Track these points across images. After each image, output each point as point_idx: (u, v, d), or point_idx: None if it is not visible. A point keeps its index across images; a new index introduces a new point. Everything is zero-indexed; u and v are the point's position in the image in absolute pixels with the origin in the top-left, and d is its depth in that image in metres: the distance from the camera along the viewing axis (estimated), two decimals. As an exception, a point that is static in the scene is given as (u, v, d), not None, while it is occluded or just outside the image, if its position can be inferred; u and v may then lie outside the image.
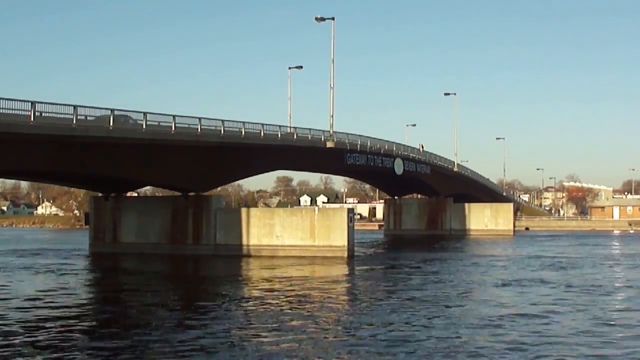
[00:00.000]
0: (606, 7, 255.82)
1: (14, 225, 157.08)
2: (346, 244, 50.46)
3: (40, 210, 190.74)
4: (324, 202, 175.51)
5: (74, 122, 39.53)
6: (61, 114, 39.52)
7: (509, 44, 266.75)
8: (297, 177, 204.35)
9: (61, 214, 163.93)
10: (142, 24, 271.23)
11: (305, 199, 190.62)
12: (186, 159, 50.34)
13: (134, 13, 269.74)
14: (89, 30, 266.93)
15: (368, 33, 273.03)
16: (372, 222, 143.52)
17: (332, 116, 61.35)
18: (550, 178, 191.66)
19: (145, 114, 44.93)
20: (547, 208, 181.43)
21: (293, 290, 31.07)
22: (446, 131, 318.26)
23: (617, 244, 74.97)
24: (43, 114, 38.48)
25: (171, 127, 46.44)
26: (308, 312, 24.39)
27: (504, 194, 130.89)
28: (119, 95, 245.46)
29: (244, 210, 57.21)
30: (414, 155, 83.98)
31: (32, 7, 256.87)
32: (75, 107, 39.87)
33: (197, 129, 48.77)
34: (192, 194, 53.33)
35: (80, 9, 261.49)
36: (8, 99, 36.38)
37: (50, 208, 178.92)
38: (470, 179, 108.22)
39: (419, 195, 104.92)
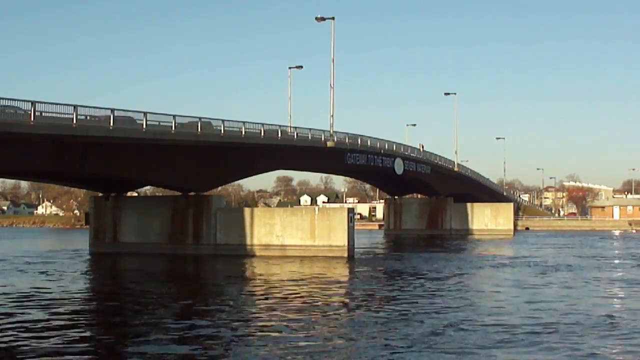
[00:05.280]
0: (607, 5, 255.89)
1: (14, 225, 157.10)
2: (346, 243, 50.44)
3: (40, 210, 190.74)
4: (324, 202, 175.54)
5: (74, 122, 39.52)
6: (61, 113, 39.54)
7: (509, 42, 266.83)
8: (297, 177, 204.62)
9: (61, 213, 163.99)
10: (142, 21, 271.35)
11: (305, 199, 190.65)
12: (186, 159, 50.34)
13: (134, 10, 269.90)
14: (88, 28, 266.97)
15: (368, 32, 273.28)
16: (372, 221, 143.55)
17: (332, 116, 61.55)
18: (551, 178, 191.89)
19: (145, 113, 44.93)
20: (548, 208, 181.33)
21: (292, 290, 31.03)
22: (446, 131, 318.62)
23: (617, 244, 74.92)
24: (43, 114, 38.48)
25: (171, 127, 46.44)
26: (306, 312, 24.34)
27: (505, 193, 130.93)
28: (119, 94, 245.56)
29: (244, 210, 57.24)
30: (414, 155, 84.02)
31: (32, 5, 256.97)
32: (75, 106, 39.87)
33: (197, 129, 48.77)
34: (192, 193, 53.33)
35: (79, 6, 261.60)
36: (8, 99, 36.41)
37: (51, 208, 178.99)
38: (470, 179, 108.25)
39: (419, 195, 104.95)
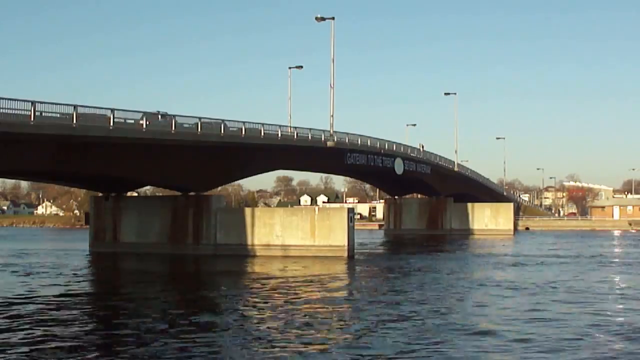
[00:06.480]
0: (608, 4, 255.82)
1: (14, 225, 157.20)
2: (346, 243, 50.46)
3: (40, 210, 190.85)
4: (324, 202, 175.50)
5: (74, 122, 39.51)
6: (61, 113, 39.52)
7: (510, 42, 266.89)
8: (297, 177, 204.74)
9: (61, 213, 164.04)
10: (142, 21, 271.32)
11: (305, 199, 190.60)
12: (186, 159, 50.35)
13: (134, 9, 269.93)
14: (87, 27, 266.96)
15: (368, 32, 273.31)
16: (372, 221, 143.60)
17: (332, 116, 61.58)
18: (551, 178, 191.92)
19: (145, 113, 44.92)
20: (548, 208, 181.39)
21: (291, 290, 31.06)
22: (446, 131, 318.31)
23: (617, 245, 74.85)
24: (43, 114, 38.48)
25: (171, 126, 46.45)
26: (305, 312, 24.36)
27: (505, 193, 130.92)
28: (118, 94, 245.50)
29: (244, 210, 57.28)
30: (414, 155, 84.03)
31: (32, 5, 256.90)
32: (75, 106, 39.87)
33: (197, 129, 48.78)
34: (192, 193, 53.36)
35: (78, 5, 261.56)
36: (9, 99, 36.40)
37: (51, 208, 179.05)
38: (470, 179, 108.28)
39: (419, 195, 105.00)
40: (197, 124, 48.87)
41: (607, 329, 21.02)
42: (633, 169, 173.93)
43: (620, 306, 26.03)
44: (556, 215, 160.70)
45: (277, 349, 18.01)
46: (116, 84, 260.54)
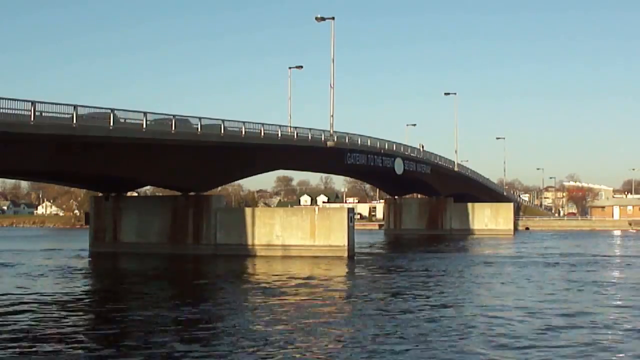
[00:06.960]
0: (609, 5, 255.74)
1: (14, 225, 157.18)
2: (346, 243, 50.46)
3: (40, 210, 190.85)
4: (324, 202, 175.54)
5: (74, 122, 39.51)
6: (61, 113, 39.50)
7: (510, 41, 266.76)
8: (297, 176, 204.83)
9: (61, 213, 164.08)
10: (142, 20, 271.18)
11: (305, 199, 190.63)
12: (186, 159, 50.36)
13: (134, 8, 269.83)
14: (86, 27, 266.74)
15: (368, 31, 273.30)
16: (372, 221, 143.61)
17: (333, 116, 61.60)
18: (551, 178, 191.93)
19: (145, 113, 44.95)
20: (548, 208, 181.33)
21: (291, 291, 31.05)
22: (446, 131, 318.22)
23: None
24: (43, 114, 38.47)
25: (171, 126, 46.44)
26: (305, 314, 24.34)
27: (505, 193, 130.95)
28: (118, 93, 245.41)
29: (244, 209, 57.32)
30: (414, 155, 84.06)
31: (32, 4, 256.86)
32: (75, 106, 39.87)
33: (197, 128, 48.77)
34: (192, 193, 53.38)
35: (78, 4, 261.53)
36: (8, 99, 36.39)
37: (51, 208, 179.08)
38: (470, 179, 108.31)
39: (419, 195, 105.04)
40: (198, 124, 48.83)
41: None
42: (633, 169, 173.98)
43: None
44: (556, 215, 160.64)
45: (277, 350, 18.00)
46: (116, 83, 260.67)
